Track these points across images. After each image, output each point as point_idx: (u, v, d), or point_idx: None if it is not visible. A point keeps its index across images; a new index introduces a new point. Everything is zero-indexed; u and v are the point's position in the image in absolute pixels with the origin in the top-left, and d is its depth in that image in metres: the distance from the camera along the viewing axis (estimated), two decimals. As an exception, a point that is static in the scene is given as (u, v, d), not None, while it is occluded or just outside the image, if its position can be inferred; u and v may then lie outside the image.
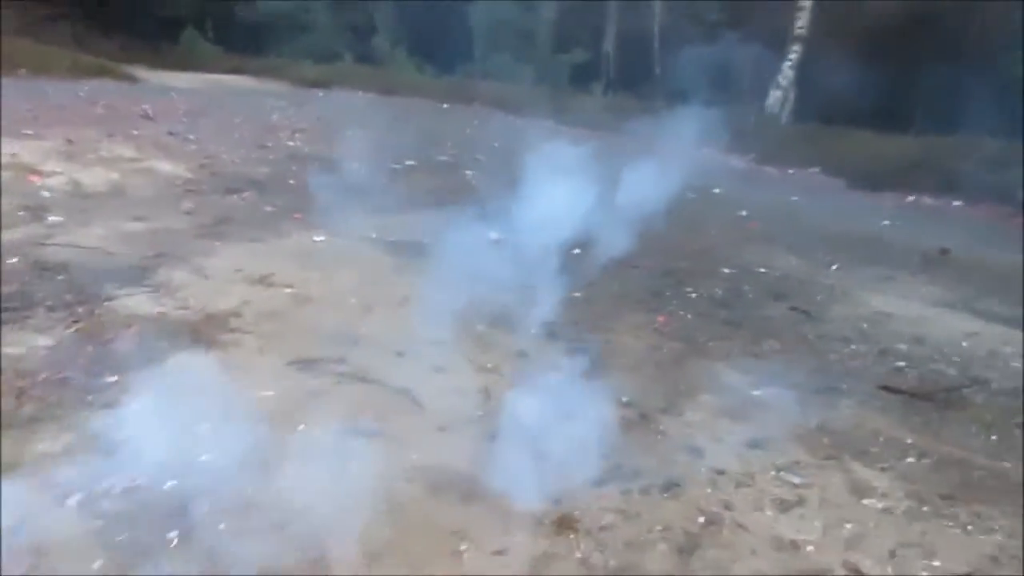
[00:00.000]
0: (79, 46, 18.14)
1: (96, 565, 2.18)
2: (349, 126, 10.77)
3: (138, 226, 5.61)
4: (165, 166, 7.63)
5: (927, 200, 8.81)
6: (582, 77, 18.55)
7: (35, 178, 6.73)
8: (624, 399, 3.45)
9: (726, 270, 5.66)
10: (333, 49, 19.33)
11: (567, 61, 18.53)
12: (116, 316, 4.01)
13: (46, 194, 6.30)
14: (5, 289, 4.21)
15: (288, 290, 4.49)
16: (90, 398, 3.16)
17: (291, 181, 7.29)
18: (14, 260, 4.67)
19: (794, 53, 12.98)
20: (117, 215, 5.83)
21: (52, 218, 5.62)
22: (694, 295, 5.09)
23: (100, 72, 16.10)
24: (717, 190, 8.45)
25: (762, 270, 5.75)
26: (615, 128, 9.80)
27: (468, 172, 8.56)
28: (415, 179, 7.89)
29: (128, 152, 8.16)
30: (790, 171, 10.42)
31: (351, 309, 4.32)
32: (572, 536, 2.49)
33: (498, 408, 3.22)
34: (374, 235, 5.70)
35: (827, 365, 4.07)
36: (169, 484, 2.53)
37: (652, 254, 5.56)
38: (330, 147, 9.40)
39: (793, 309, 4.90)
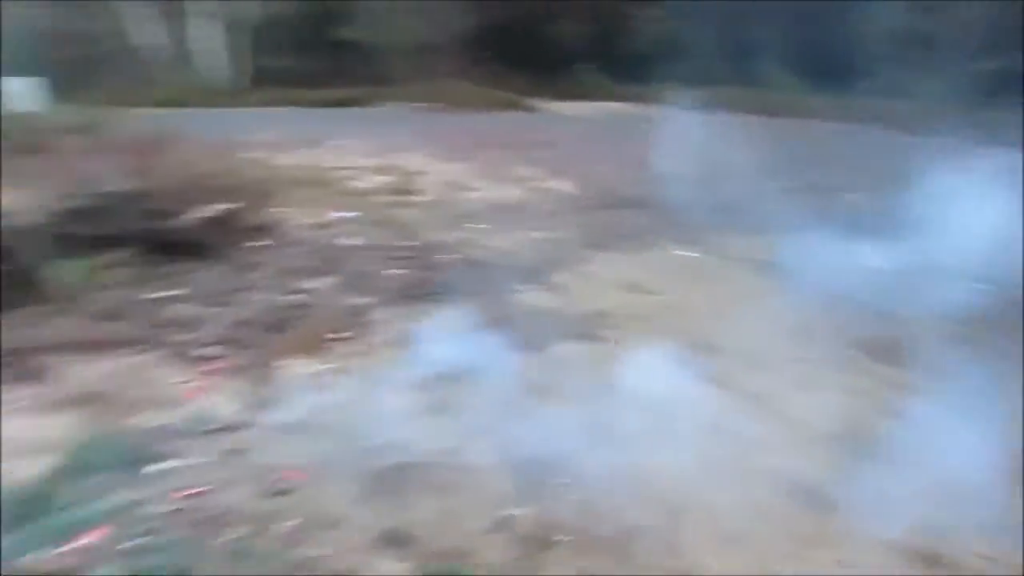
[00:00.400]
0: (494, 83, 21.18)
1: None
2: (727, 148, 11.10)
3: (537, 235, 6.62)
4: (559, 185, 8.79)
5: None
6: (1000, 88, 16.21)
7: (464, 193, 8.31)
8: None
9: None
10: (716, 73, 19.68)
11: (978, 70, 16.37)
12: (519, 307, 4.91)
13: (472, 207, 7.74)
14: (441, 277, 5.41)
15: (654, 297, 4.99)
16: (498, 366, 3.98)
17: (666, 200, 7.85)
18: (450, 256, 5.93)
19: None
20: (522, 225, 6.94)
21: (477, 225, 6.92)
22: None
23: (509, 105, 18.76)
24: None
25: None
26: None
27: (850, 195, 8.28)
28: (790, 201, 7.89)
29: (531, 173, 9.55)
30: None
31: (711, 319, 4.64)
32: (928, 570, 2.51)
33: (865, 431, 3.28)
34: (742, 254, 5.93)
35: None
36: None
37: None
38: (707, 168, 9.85)
39: None
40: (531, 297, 5.08)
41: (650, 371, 3.78)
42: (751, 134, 12.54)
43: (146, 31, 20.17)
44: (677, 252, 6.06)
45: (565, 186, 8.78)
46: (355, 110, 17.75)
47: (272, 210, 7.04)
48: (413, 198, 7.99)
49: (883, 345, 4.25)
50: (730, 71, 19.94)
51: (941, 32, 17.13)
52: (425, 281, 5.34)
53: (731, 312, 4.73)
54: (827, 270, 5.32)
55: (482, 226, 6.84)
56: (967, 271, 5.12)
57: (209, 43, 20.67)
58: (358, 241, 6.32)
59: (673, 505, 2.82)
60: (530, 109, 18.72)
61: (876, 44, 17.54)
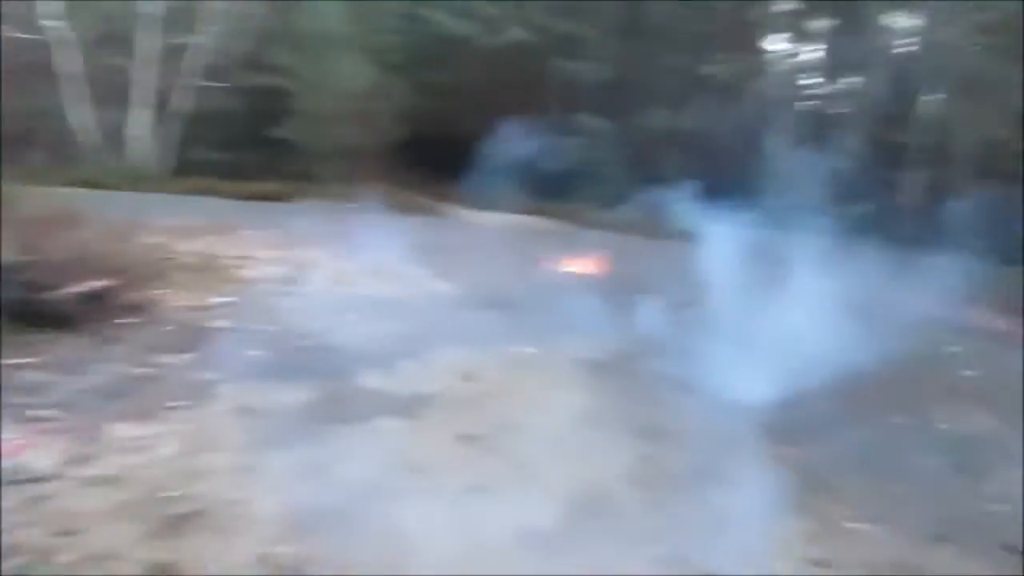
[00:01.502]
0: (416, 189, 22.26)
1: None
2: (610, 263, 12.06)
3: (401, 328, 7.18)
4: (440, 286, 9.45)
5: None
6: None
7: (347, 288, 8.86)
8: None
9: (899, 420, 5.55)
10: (623, 196, 21.17)
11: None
12: (354, 388, 5.40)
13: (351, 300, 8.28)
14: (297, 360, 5.88)
15: (479, 385, 5.56)
16: (312, 434, 4.44)
17: (530, 304, 8.56)
18: (310, 342, 6.42)
19: None
20: (391, 320, 7.49)
21: (348, 317, 7.45)
22: (844, 437, 5.16)
23: (427, 210, 19.74)
24: (956, 348, 7.99)
25: (943, 426, 5.52)
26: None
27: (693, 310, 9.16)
28: (641, 313, 8.69)
29: (419, 273, 10.20)
30: None
31: (518, 403, 5.23)
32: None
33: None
34: (575, 353, 6.60)
35: (951, 516, 3.97)
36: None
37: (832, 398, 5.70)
38: (585, 281, 10.71)
39: (951, 464, 4.73)
40: (370, 380, 5.58)
41: (442, 444, 4.33)
42: (641, 251, 13.65)
43: (81, 113, 20.70)
44: (524, 349, 6.65)
45: (445, 287, 9.43)
46: (275, 205, 18.39)
47: (152, 291, 7.46)
48: (297, 289, 8.50)
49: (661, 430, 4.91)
50: (635, 194, 21.47)
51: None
52: (278, 363, 5.80)
53: (538, 398, 5.34)
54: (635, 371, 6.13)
55: (351, 318, 7.36)
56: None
57: (142, 130, 21.26)
58: (227, 324, 6.75)
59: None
60: (442, 215, 19.73)
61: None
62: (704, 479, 4.24)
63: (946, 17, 15.80)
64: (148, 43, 21.26)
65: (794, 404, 5.53)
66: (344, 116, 21.57)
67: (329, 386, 5.34)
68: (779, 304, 7.55)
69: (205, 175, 21.75)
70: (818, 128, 22.47)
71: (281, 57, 22.73)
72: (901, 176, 18.67)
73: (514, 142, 27.40)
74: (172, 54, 22.24)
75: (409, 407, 5.05)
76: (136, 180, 19.62)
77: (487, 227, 15.72)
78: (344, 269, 9.89)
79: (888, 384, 6.22)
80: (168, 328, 6.45)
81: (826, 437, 5.18)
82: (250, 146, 27.57)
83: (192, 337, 6.26)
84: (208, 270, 8.95)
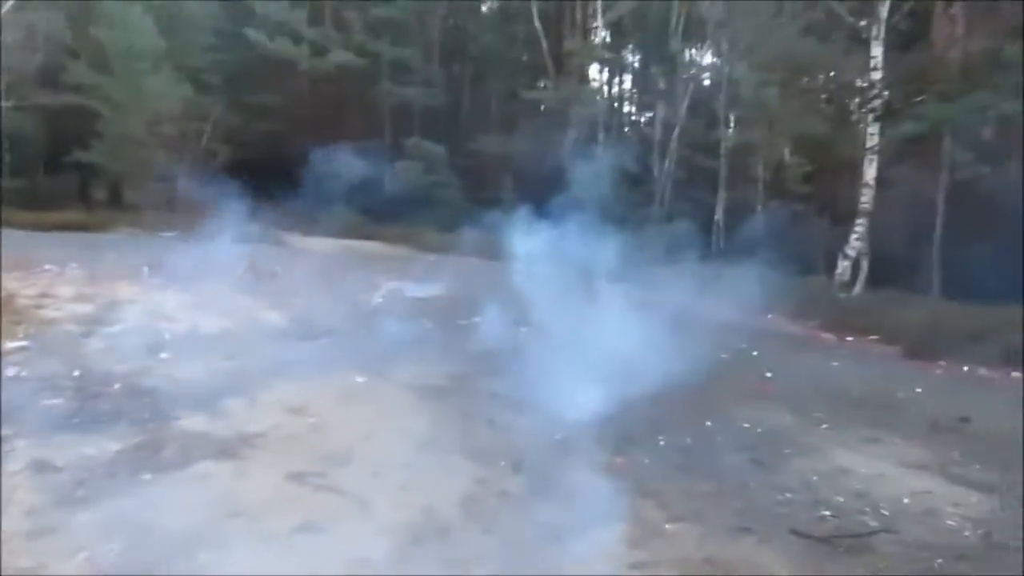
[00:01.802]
0: (249, 215, 21.26)
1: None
2: (443, 286, 12.16)
3: (226, 364, 6.85)
4: (271, 316, 9.12)
5: (982, 371, 8.62)
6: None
7: (164, 323, 8.32)
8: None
9: (709, 423, 6.05)
10: (455, 218, 21.46)
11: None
12: (174, 432, 5.08)
13: (167, 336, 7.78)
14: (104, 407, 5.45)
15: (309, 419, 5.43)
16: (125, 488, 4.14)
17: (362, 331, 8.47)
18: (120, 386, 5.96)
19: (860, 226, 13.33)
20: (216, 355, 7.12)
21: (164, 355, 6.99)
22: (663, 443, 5.54)
23: (254, 237, 18.91)
24: (755, 353, 8.81)
25: (746, 425, 6.09)
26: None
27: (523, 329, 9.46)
28: (473, 335, 8.85)
29: (249, 303, 9.79)
30: (848, 338, 10.48)
31: (350, 436, 5.17)
32: None
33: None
34: (406, 379, 6.61)
35: (752, 509, 4.39)
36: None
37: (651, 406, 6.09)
38: (418, 305, 10.72)
39: (752, 460, 5.23)
40: (192, 422, 5.28)
41: (269, 484, 4.19)
42: (473, 274, 13.87)
43: None
44: (354, 378, 6.56)
45: (276, 317, 9.12)
46: (81, 235, 16.89)
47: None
48: (107, 328, 7.87)
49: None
50: (469, 218, 21.84)
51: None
52: (82, 411, 5.34)
53: (370, 428, 5.31)
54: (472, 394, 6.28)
55: (165, 356, 6.93)
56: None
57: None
58: (21, 372, 6.13)
59: None
60: (277, 242, 19.02)
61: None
62: (536, 496, 4.40)
63: (737, 54, 17.47)
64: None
65: (618, 414, 5.86)
66: (157, 138, 20.23)
67: (142, 433, 5.00)
68: (600, 318, 8.01)
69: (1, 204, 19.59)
70: (634, 150, 23.99)
71: (82, 74, 20.97)
72: (707, 196, 20.32)
73: (344, 166, 27.09)
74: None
75: (234, 448, 4.83)
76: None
77: (318, 252, 15.36)
78: (161, 303, 9.29)
79: (698, 389, 6.73)
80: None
81: (647, 444, 5.54)
82: (50, 171, 25.21)
83: (-21, 387, 5.63)
84: (3, 312, 8.07)
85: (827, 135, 15.11)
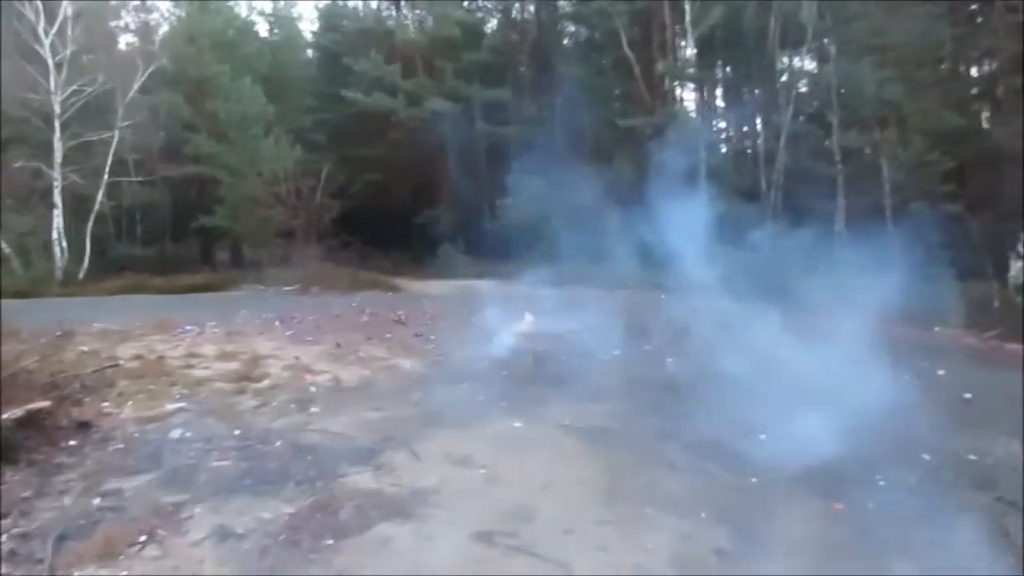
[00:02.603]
0: (359, 265, 21.69)
1: None
2: (567, 320, 11.77)
3: (375, 415, 6.64)
4: (406, 363, 8.94)
5: None
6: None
7: (308, 376, 8.27)
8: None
9: (927, 456, 5.32)
10: (569, 253, 21.12)
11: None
12: (343, 491, 4.84)
13: (313, 389, 7.70)
14: (270, 466, 5.30)
15: (480, 471, 5.08)
16: (312, 556, 3.89)
17: (504, 373, 8.15)
18: (279, 443, 5.82)
19: (1035, 222, 12.04)
20: (362, 406, 6.95)
21: (313, 409, 6.87)
22: (882, 483, 4.85)
23: (372, 285, 19.20)
24: (940, 372, 7.93)
25: (972, 457, 5.30)
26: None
27: (669, 360, 8.91)
28: (620, 369, 8.38)
29: (380, 352, 9.69)
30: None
31: (528, 489, 4.77)
32: None
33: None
34: (567, 422, 6.19)
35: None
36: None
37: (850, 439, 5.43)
38: (549, 341, 10.36)
39: (1000, 500, 4.48)
40: (360, 480, 5.05)
41: (457, 546, 3.84)
42: (592, 305, 13.42)
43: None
44: (511, 423, 6.21)
45: (411, 363, 8.95)
46: (211, 295, 17.54)
47: (97, 406, 6.76)
48: (254, 384, 7.87)
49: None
50: (580, 250, 21.45)
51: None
52: (251, 472, 5.20)
53: (546, 479, 4.90)
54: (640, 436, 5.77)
55: (316, 410, 6.80)
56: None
57: (60, 231, 20.09)
58: (186, 434, 6.11)
59: None
60: (393, 288, 19.21)
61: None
62: (757, 553, 3.88)
63: (850, 54, 16.51)
64: (60, 140, 20.26)
65: (813, 450, 5.22)
66: (272, 198, 21.00)
67: (313, 492, 4.79)
68: (757, 343, 7.42)
69: (135, 272, 20.76)
70: (739, 167, 23.13)
71: (201, 145, 22.14)
72: (823, 205, 19.19)
73: (446, 208, 27.35)
74: (87, 151, 21.32)
75: (410, 507, 4.53)
76: (59, 284, 18.52)
77: (442, 296, 15.25)
78: (300, 356, 9.30)
79: (895, 417, 5.93)
80: (121, 446, 5.76)
81: (865, 485, 4.91)
82: (175, 238, 26.66)
83: (148, 453, 5.60)
84: (154, 374, 8.22)
85: (969, 127, 13.88)
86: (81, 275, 20.11)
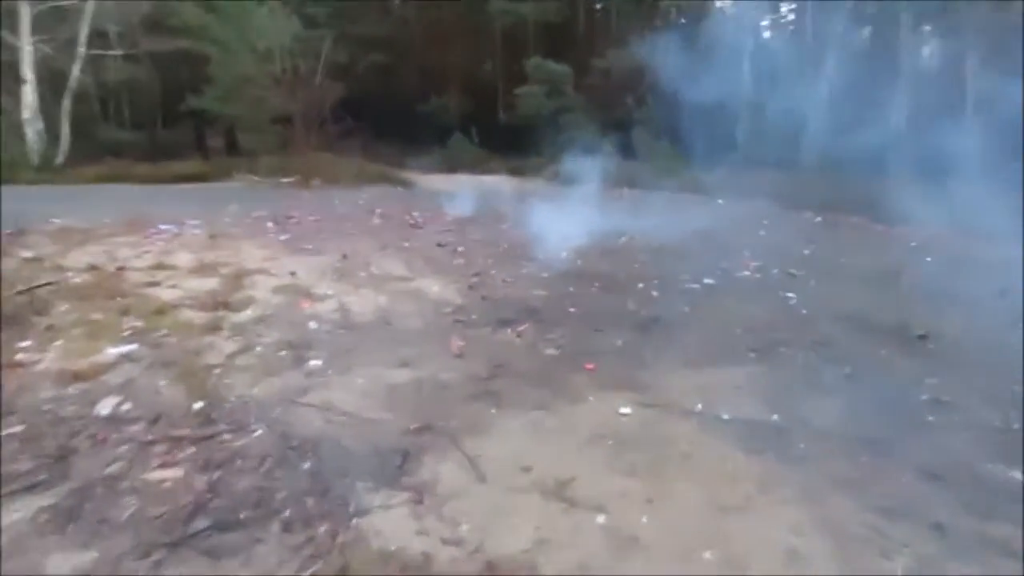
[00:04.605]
0: (363, 156, 19.06)
1: None
2: (618, 228, 9.43)
3: (402, 375, 4.45)
4: (433, 286, 6.66)
5: None
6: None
7: (306, 304, 6.02)
8: None
9: None
10: (591, 146, 18.51)
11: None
12: (366, 549, 2.68)
13: (313, 325, 5.47)
14: (239, 485, 3.12)
15: (600, 517, 2.89)
16: None
17: (571, 308, 5.90)
18: (260, 432, 3.63)
19: None
20: (381, 358, 4.74)
21: (313, 362, 4.65)
22: None
23: (380, 179, 16.66)
24: None
25: None
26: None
27: (788, 294, 6.66)
28: (723, 306, 6.15)
29: (398, 269, 7.40)
30: None
31: (703, 563, 2.60)
32: None
33: None
34: (699, 406, 3.98)
35: None
36: None
37: None
38: (608, 258, 8.06)
39: None
40: (384, 522, 2.88)
41: None
42: (648, 209, 11.03)
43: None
44: (607, 406, 4.00)
45: (440, 287, 6.67)
46: (200, 186, 15.04)
47: (13, 345, 4.56)
48: (234, 315, 5.62)
49: None
50: (605, 143, 18.79)
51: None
52: (206, 501, 3.03)
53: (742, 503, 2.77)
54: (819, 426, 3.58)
55: (316, 363, 4.59)
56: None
57: (33, 111, 17.24)
58: (122, 407, 3.90)
59: None
60: (403, 183, 16.69)
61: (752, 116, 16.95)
62: None
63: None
64: (27, 4, 17.07)
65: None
66: (266, 77, 18.02)
67: (314, 553, 2.64)
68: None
69: (121, 158, 18.10)
70: (778, 58, 20.20)
71: (188, 15, 18.87)
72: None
73: (458, 95, 24.27)
74: (60, 18, 18.13)
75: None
76: (35, 170, 15.93)
77: (458, 193, 12.80)
78: (297, 272, 7.02)
79: None
80: (15, 429, 3.56)
81: None
82: (167, 123, 23.74)
83: (53, 448, 3.41)
84: (105, 295, 5.94)
85: None
86: (60, 160, 17.46)
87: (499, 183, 16.27)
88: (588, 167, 14.44)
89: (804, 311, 5.96)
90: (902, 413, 3.93)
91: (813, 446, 3.50)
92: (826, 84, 17.65)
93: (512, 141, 20.99)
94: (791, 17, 23.61)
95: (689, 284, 6.79)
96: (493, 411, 3.88)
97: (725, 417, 3.74)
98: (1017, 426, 3.71)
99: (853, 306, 6.08)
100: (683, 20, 22.26)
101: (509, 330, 5.31)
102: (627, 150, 18.16)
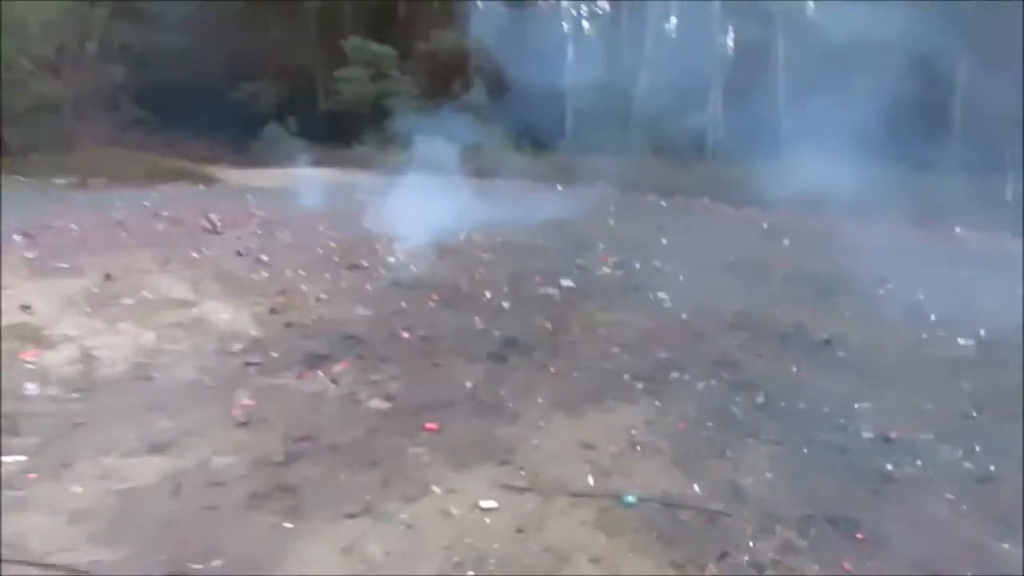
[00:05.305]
0: (161, 150, 16.41)
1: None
2: (456, 223, 8.19)
3: (149, 471, 2.92)
4: (222, 314, 5.04)
5: None
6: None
7: (31, 354, 4.22)
8: None
9: None
10: (420, 134, 17.09)
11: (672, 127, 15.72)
12: None
13: (31, 388, 3.73)
14: None
15: None
16: None
17: (404, 333, 4.57)
18: None
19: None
20: (123, 439, 3.16)
21: (9, 457, 2.99)
22: None
23: (178, 175, 14.25)
24: None
25: None
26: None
27: (660, 295, 5.72)
28: (590, 316, 5.09)
29: (179, 290, 5.67)
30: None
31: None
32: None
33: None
34: (591, 480, 2.81)
35: None
36: None
37: None
38: (446, 260, 6.78)
39: None
40: None
41: None
42: (475, 202, 9.81)
43: None
44: (466, 500, 2.72)
45: (233, 313, 5.07)
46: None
47: None
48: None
49: None
50: (434, 130, 17.43)
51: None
52: None
53: None
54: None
55: (19, 459, 2.96)
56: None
57: None
58: None
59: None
60: (206, 180, 14.36)
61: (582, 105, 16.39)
62: None
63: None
64: None
65: None
66: (21, 55, 14.75)
67: None
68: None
69: None
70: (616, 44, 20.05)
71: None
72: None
73: (268, 82, 21.80)
74: None
75: None
76: None
77: (273, 190, 10.92)
78: (33, 304, 5.10)
79: None
80: None
81: None
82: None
83: None
84: None
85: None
86: None
87: (320, 177, 14.40)
88: (418, 156, 13.04)
89: (684, 316, 5.05)
90: (852, 465, 3.01)
91: (766, 543, 2.41)
92: (647, 70, 17.51)
93: (334, 130, 19.10)
94: (607, 8, 23.50)
95: (544, 289, 5.69)
96: (288, 526, 2.49)
97: (630, 500, 2.61)
98: (994, 468, 2.90)
99: (736, 306, 5.28)
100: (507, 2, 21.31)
101: (321, 372, 3.89)
102: (457, 137, 16.93)
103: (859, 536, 2.43)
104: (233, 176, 14.63)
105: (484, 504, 2.58)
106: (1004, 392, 3.63)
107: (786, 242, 7.90)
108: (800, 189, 8.69)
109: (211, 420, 3.34)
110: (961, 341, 4.55)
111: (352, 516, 2.52)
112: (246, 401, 3.54)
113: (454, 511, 2.54)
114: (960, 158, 10.43)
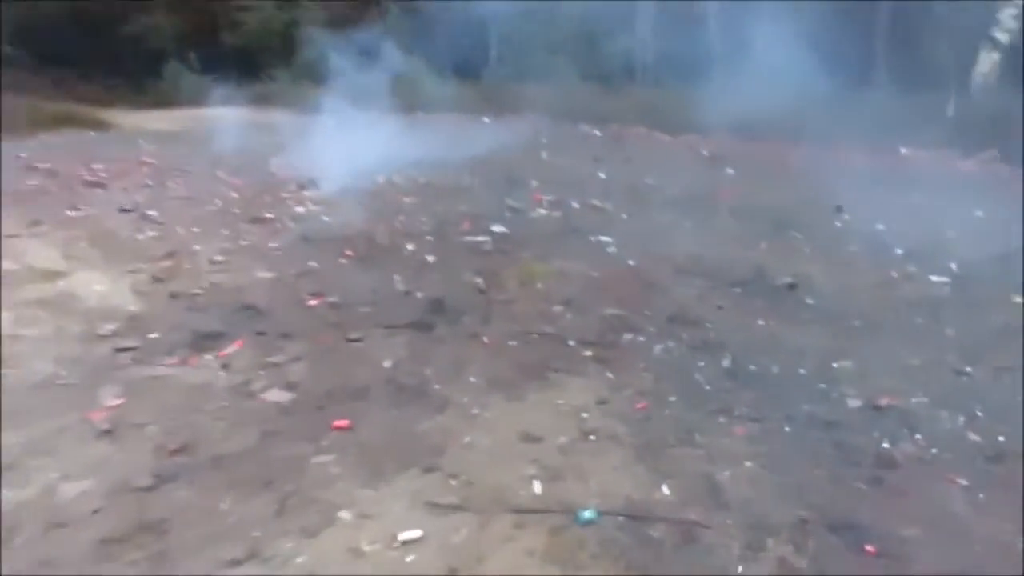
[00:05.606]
0: (45, 93, 14.71)
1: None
2: (373, 163, 7.39)
3: None
4: (95, 287, 4.23)
5: None
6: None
7: None
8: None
9: None
10: (330, 66, 15.82)
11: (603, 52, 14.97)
12: None
13: None
14: None
15: None
16: None
17: (311, 300, 3.90)
18: None
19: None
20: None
21: None
22: None
23: (65, 121, 12.69)
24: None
25: None
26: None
27: (602, 237, 5.15)
28: (525, 267, 4.50)
29: (47, 256, 4.80)
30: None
31: None
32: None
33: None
34: (537, 488, 2.29)
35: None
36: None
37: None
38: (363, 207, 6.03)
39: None
40: None
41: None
42: (399, 139, 8.97)
43: None
44: (398, 534, 2.15)
45: (109, 284, 4.28)
46: None
47: None
48: None
49: None
50: (350, 63, 16.17)
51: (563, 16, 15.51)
52: None
53: None
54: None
55: None
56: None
57: None
58: None
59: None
60: (98, 125, 12.89)
61: (505, 29, 15.41)
62: None
63: None
64: None
65: None
66: None
67: None
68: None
69: None
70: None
71: None
72: None
73: (170, 12, 19.87)
74: None
75: None
76: None
77: (173, 134, 9.76)
78: None
79: None
80: None
81: None
82: None
83: None
84: None
85: None
86: None
87: (226, 117, 13.12)
88: (332, 90, 11.95)
89: (632, 262, 4.53)
90: (843, 445, 2.57)
91: (759, 565, 1.95)
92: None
93: (241, 65, 17.51)
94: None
95: (473, 237, 5.07)
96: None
97: (587, 516, 2.10)
98: (1003, 439, 2.51)
99: (687, 247, 4.80)
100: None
101: (209, 356, 3.22)
102: (375, 68, 15.74)
103: (869, 548, 2.00)
104: (130, 120, 13.17)
105: (404, 536, 2.02)
106: (992, 338, 3.29)
107: (730, 171, 7.44)
108: (737, 113, 8.23)
109: (64, 430, 2.66)
110: (934, 279, 4.21)
111: (235, 563, 1.93)
112: (111, 401, 2.86)
113: (366, 548, 1.98)
114: (894, 72, 10.13)
